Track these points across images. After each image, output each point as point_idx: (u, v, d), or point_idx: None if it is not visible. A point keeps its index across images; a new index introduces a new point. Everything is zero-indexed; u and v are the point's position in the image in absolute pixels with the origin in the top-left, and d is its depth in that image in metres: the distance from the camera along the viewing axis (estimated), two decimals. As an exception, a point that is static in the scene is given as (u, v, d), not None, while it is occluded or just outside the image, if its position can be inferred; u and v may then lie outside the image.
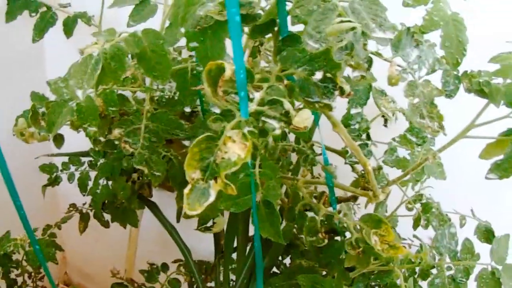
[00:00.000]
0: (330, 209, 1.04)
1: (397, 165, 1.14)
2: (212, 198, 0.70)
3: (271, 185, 0.91)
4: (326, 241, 1.01)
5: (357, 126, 1.06)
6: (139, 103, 1.06)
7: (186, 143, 1.30)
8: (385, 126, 1.17)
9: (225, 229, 1.42)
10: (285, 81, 0.76)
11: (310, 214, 1.04)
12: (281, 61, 0.77)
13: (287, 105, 0.72)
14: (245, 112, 0.72)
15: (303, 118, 0.72)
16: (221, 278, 1.46)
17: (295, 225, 1.07)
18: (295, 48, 0.76)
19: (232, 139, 0.70)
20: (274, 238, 0.90)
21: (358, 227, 0.96)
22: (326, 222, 1.05)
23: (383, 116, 1.19)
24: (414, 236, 1.20)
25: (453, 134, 0.96)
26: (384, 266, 1.06)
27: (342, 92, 0.77)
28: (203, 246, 1.56)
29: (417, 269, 1.08)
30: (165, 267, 1.48)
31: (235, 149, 0.70)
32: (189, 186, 0.69)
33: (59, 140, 1.12)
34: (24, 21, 1.33)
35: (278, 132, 0.73)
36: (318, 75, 0.75)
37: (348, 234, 1.16)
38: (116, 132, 1.00)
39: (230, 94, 0.73)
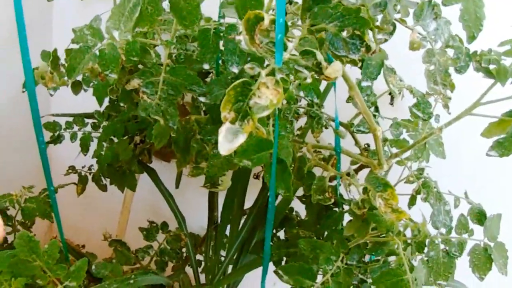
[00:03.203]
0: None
1: (398, 145, 1.18)
2: (243, 139, 0.74)
3: (284, 143, 0.94)
4: (332, 200, 1.04)
5: (366, 98, 1.09)
6: (158, 57, 1.08)
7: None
8: (391, 104, 1.21)
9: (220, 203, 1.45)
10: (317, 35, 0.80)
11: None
12: (312, 16, 0.80)
13: (319, 56, 0.75)
14: (280, 59, 0.76)
15: (335, 69, 0.75)
16: (210, 252, 1.49)
17: (303, 185, 1.10)
18: (327, 5, 0.80)
19: (266, 85, 0.74)
20: (285, 192, 0.93)
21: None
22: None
23: (389, 94, 1.23)
24: (409, 219, 1.24)
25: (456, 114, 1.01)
26: (381, 237, 1.09)
27: (368, 49, 0.81)
28: (194, 220, 1.58)
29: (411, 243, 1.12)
30: (164, 225, 1.50)
31: (268, 94, 0.74)
32: (223, 126, 0.73)
33: (77, 87, 1.14)
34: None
35: (309, 80, 0.77)
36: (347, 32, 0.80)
37: (346, 207, 1.21)
38: (135, 82, 1.02)
39: (265, 44, 0.77)
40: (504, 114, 0.99)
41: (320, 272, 1.07)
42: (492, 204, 1.17)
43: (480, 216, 1.15)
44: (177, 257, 1.47)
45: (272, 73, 0.75)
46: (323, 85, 1.23)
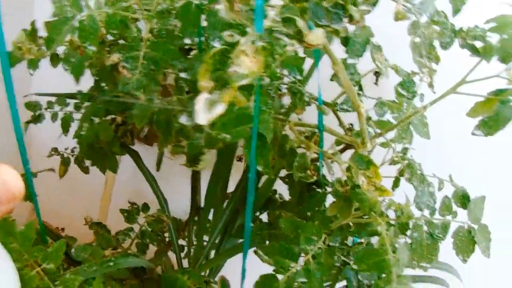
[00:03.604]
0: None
1: (381, 126, 1.16)
2: (221, 109, 0.72)
3: (265, 118, 0.93)
4: (314, 177, 1.03)
5: (350, 77, 1.08)
6: (139, 31, 1.06)
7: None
8: (376, 84, 1.20)
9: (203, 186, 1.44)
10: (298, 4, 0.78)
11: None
12: (294, -15, 0.79)
13: (300, 23, 0.74)
14: (260, 26, 0.74)
15: (316, 35, 0.74)
16: (193, 237, 1.47)
17: (285, 162, 1.09)
18: (309, -27, 0.78)
19: (245, 53, 0.72)
20: (264, 169, 0.92)
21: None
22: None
23: (374, 73, 1.22)
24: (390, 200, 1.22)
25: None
26: (363, 219, 1.08)
27: (350, 19, 0.79)
28: (177, 205, 1.57)
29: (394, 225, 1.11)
30: (146, 207, 1.48)
31: (247, 62, 0.72)
32: (201, 95, 0.71)
33: (56, 59, 1.12)
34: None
35: (290, 48, 0.75)
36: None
37: (328, 189, 1.19)
38: (115, 56, 1.00)
39: (245, 11, 0.76)
40: (490, 93, 0.98)
41: (302, 255, 1.06)
42: (476, 184, 1.16)
43: (463, 200, 1.13)
44: (158, 240, 1.45)
45: (252, 41, 0.73)
46: (307, 65, 1.22)
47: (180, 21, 1.01)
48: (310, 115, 1.18)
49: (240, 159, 1.40)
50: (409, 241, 1.09)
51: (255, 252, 1.04)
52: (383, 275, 1.00)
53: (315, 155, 1.08)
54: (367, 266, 1.01)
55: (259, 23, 0.73)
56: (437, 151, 1.36)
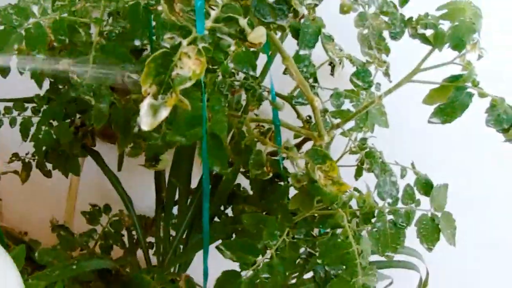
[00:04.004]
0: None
1: (340, 116, 1.16)
2: (166, 113, 0.71)
3: (218, 118, 0.92)
4: (271, 174, 1.02)
5: (304, 69, 1.07)
6: (89, 35, 1.05)
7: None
8: (332, 75, 1.19)
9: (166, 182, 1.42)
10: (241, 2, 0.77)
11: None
12: (237, -17, 0.78)
13: (242, 21, 0.73)
14: (201, 27, 0.73)
15: (258, 34, 0.73)
16: (161, 233, 1.46)
17: (241, 160, 1.08)
18: (250, -30, 0.77)
19: (187, 55, 0.71)
20: (220, 169, 0.91)
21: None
22: (270, 164, 1.06)
23: (329, 64, 1.21)
24: (355, 188, 1.22)
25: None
26: (327, 210, 1.07)
27: (295, 15, 0.78)
28: (144, 202, 1.56)
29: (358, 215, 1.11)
30: (107, 208, 1.47)
31: (190, 65, 0.71)
32: (145, 101, 0.70)
33: (5, 70, 1.10)
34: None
35: (232, 48, 0.74)
36: None
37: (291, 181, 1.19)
38: (65, 62, 0.99)
39: (187, 12, 0.74)
40: (445, 80, 0.98)
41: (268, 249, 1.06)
42: (438, 172, 1.16)
43: (426, 187, 1.13)
44: (122, 240, 1.44)
45: (194, 42, 0.72)
46: (263, 60, 1.21)
47: (129, 22, 1.00)
48: (269, 108, 1.17)
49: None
50: (372, 229, 1.09)
51: (217, 248, 1.03)
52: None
53: (273, 150, 1.08)
54: (330, 259, 1.01)
55: (200, 24, 0.72)
56: (398, 138, 1.37)
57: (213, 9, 0.75)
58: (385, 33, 0.93)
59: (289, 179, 1.17)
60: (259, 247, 1.03)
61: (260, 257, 1.03)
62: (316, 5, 0.85)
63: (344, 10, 0.84)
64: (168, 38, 0.72)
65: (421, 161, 1.19)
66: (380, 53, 0.87)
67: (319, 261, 1.02)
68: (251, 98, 1.02)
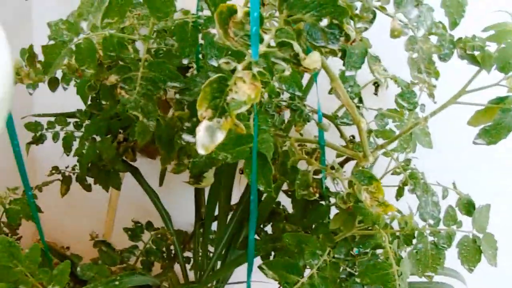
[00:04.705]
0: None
1: (383, 136, 1.16)
2: (221, 137, 0.72)
3: (265, 137, 0.92)
4: (317, 195, 1.02)
5: (349, 89, 1.08)
6: (137, 52, 1.06)
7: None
8: (376, 94, 1.19)
9: (206, 198, 1.43)
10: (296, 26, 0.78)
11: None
12: (288, 7, 0.78)
13: (296, 47, 0.73)
14: (256, 52, 0.73)
15: (313, 60, 0.73)
16: (200, 248, 1.47)
17: (287, 180, 1.08)
18: (303, -5, 0.78)
19: (242, 79, 0.72)
20: (266, 188, 0.91)
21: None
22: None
23: (374, 84, 1.21)
24: (398, 210, 1.22)
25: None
26: (368, 230, 1.07)
27: (347, 39, 0.79)
28: (182, 217, 1.57)
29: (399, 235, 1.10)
30: (150, 225, 1.48)
31: (245, 89, 0.72)
32: (201, 124, 0.71)
33: (54, 83, 1.12)
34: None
35: (287, 73, 0.75)
36: (325, 21, 0.78)
37: (332, 200, 1.19)
38: (113, 78, 1.00)
39: (241, 37, 0.75)
40: (490, 102, 0.98)
41: (307, 267, 1.06)
42: (480, 194, 1.15)
43: (468, 207, 1.13)
44: (163, 256, 1.45)
45: (248, 67, 0.73)
46: (306, 78, 1.21)
47: (177, 41, 1.01)
48: (313, 126, 1.17)
49: (242, 172, 1.40)
50: (413, 250, 1.09)
51: (260, 267, 1.04)
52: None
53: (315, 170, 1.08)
54: (370, 279, 1.01)
55: (255, 49, 0.73)
56: (441, 160, 1.36)
57: (266, 34, 0.76)
58: (434, 56, 0.93)
59: (331, 199, 1.17)
60: (301, 266, 1.03)
61: (303, 276, 1.03)
62: (366, 28, 0.85)
63: (394, 34, 0.84)
64: (224, 63, 0.73)
65: (463, 182, 1.19)
66: (429, 77, 0.87)
67: (358, 280, 1.02)
68: (298, 118, 1.02)
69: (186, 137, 1.08)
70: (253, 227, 0.98)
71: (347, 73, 1.05)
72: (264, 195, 1.26)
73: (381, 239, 1.04)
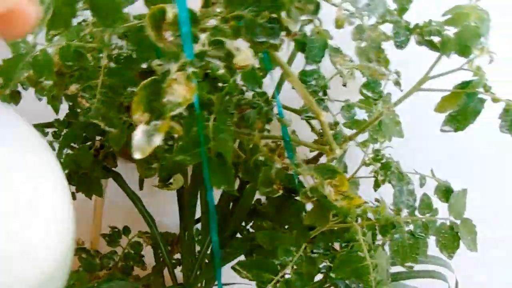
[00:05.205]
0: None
1: (355, 126, 1.14)
2: (158, 140, 0.71)
3: (223, 137, 0.92)
4: (280, 191, 1.01)
5: (314, 82, 1.06)
6: (97, 60, 1.06)
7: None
8: (344, 86, 1.18)
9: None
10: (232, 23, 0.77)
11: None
12: (228, 3, 0.78)
13: (229, 44, 0.73)
14: (190, 52, 0.73)
15: (243, 57, 0.73)
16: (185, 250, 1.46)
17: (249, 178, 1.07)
18: (241, -9, 0.77)
19: (177, 81, 0.71)
20: (227, 187, 0.91)
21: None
22: (284, 181, 1.05)
23: (341, 75, 1.19)
24: (376, 199, 1.20)
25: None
26: (344, 224, 1.06)
27: (288, 33, 0.78)
28: (170, 218, 1.56)
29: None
30: (127, 230, 1.48)
31: (180, 90, 0.71)
32: (137, 129, 0.71)
33: (16, 97, 1.12)
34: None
35: (221, 71, 0.74)
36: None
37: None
38: (73, 87, 1.00)
39: (176, 38, 0.74)
40: (455, 87, 0.96)
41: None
42: (460, 180, 1.14)
43: (447, 193, 1.11)
44: (142, 260, 1.45)
45: (183, 68, 0.72)
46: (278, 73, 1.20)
47: (133, 46, 1.01)
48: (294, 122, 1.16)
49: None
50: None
51: (233, 268, 1.03)
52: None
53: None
54: (345, 273, 1.00)
55: (187, 50, 0.72)
56: (419, 147, 1.35)
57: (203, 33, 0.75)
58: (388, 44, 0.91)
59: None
60: (275, 265, 1.02)
61: (278, 274, 1.02)
62: (311, 20, 0.84)
63: (338, 24, 0.83)
64: (156, 65, 0.72)
65: (442, 169, 1.17)
66: (379, 65, 0.86)
67: (332, 275, 1.01)
68: (257, 115, 1.01)
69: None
70: (214, 228, 0.97)
71: (308, 67, 1.04)
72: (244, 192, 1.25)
73: (354, 232, 1.03)
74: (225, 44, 0.71)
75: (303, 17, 0.83)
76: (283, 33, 0.77)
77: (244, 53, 0.72)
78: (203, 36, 0.74)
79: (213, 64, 0.73)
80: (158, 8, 0.72)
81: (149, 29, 0.72)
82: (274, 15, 0.76)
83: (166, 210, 1.52)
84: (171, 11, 0.72)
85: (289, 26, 0.77)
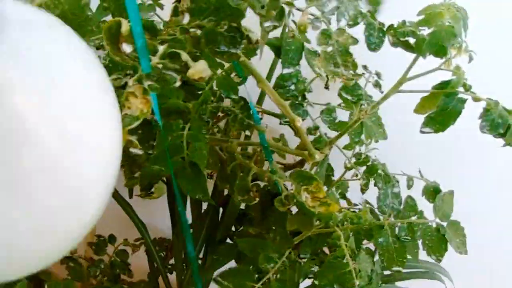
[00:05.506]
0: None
1: (338, 128, 1.12)
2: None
3: (197, 146, 0.91)
4: (257, 199, 1.00)
5: (293, 87, 1.05)
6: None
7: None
8: (326, 88, 1.16)
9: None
10: (191, 33, 0.76)
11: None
12: (189, 14, 0.77)
13: (184, 56, 0.72)
14: (146, 65, 0.72)
15: (197, 69, 0.71)
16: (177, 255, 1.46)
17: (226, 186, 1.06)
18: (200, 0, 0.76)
19: (134, 94, 0.71)
20: (202, 197, 0.90)
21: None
22: (268, 187, 1.04)
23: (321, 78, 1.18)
24: (366, 201, 1.19)
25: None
26: (328, 229, 1.04)
27: (249, 41, 0.76)
28: (163, 224, 1.55)
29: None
30: (112, 238, 1.47)
31: (137, 104, 0.71)
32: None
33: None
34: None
35: (178, 83, 0.73)
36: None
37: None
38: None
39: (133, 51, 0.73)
40: (434, 87, 0.94)
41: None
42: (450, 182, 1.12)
43: (435, 194, 1.09)
44: (129, 268, 1.44)
45: (140, 81, 0.71)
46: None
47: (110, 56, 1.00)
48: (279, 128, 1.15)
49: (210, 177, 1.37)
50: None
51: (215, 280, 1.02)
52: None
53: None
54: (328, 280, 0.98)
55: (143, 63, 0.71)
56: (407, 149, 1.33)
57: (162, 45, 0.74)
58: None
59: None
60: (256, 272, 1.01)
61: (259, 281, 1.01)
62: (276, 26, 0.82)
63: (300, 29, 0.82)
64: (113, 79, 0.72)
65: (432, 170, 1.15)
66: (347, 70, 0.84)
67: (316, 282, 0.99)
68: (232, 123, 1.00)
69: (133, 150, 1.06)
70: (189, 240, 0.96)
71: (285, 71, 1.02)
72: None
73: (336, 237, 1.01)
74: (182, 55, 0.70)
75: (267, 24, 0.82)
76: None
77: (200, 65, 0.70)
78: (161, 48, 0.73)
79: (169, 75, 0.72)
80: (114, 21, 0.71)
81: (106, 42, 0.71)
82: (234, 24, 0.75)
83: (161, 216, 1.52)
84: (126, 25, 0.71)
85: (250, 35, 0.76)
